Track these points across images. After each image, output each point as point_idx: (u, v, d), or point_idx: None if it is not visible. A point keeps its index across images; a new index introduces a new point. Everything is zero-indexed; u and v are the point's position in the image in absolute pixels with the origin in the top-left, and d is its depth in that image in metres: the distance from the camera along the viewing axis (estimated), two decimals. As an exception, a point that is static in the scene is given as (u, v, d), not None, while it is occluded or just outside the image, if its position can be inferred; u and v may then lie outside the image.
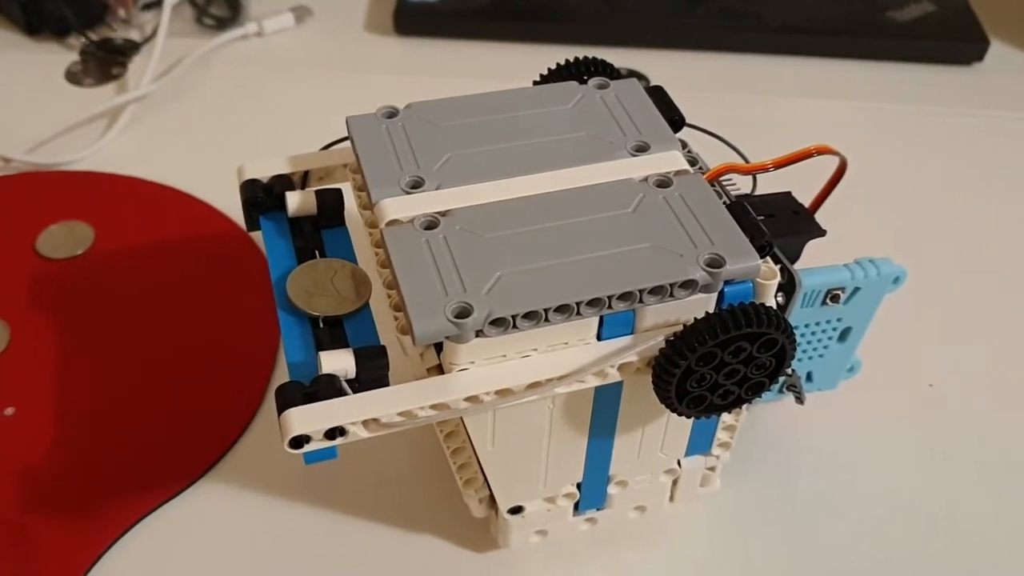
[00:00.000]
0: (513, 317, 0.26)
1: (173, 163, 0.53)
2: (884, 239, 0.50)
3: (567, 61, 0.35)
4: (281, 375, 0.42)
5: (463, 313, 0.26)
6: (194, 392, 0.42)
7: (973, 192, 0.54)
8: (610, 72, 0.35)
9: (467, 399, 0.27)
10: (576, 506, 0.35)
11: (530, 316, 0.26)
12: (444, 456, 0.34)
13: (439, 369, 0.28)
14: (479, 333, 0.26)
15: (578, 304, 0.27)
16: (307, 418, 0.26)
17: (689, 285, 0.27)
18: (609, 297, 0.27)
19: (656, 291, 0.27)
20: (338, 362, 0.27)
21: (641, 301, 0.27)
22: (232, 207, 0.50)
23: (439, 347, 0.28)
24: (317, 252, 0.32)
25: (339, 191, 0.33)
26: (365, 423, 0.27)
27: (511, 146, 0.31)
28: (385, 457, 0.40)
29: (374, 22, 0.66)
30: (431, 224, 0.28)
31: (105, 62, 0.61)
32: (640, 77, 0.61)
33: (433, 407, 0.27)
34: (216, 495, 0.38)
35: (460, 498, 0.35)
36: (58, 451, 0.39)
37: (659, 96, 0.34)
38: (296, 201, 0.32)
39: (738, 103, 0.59)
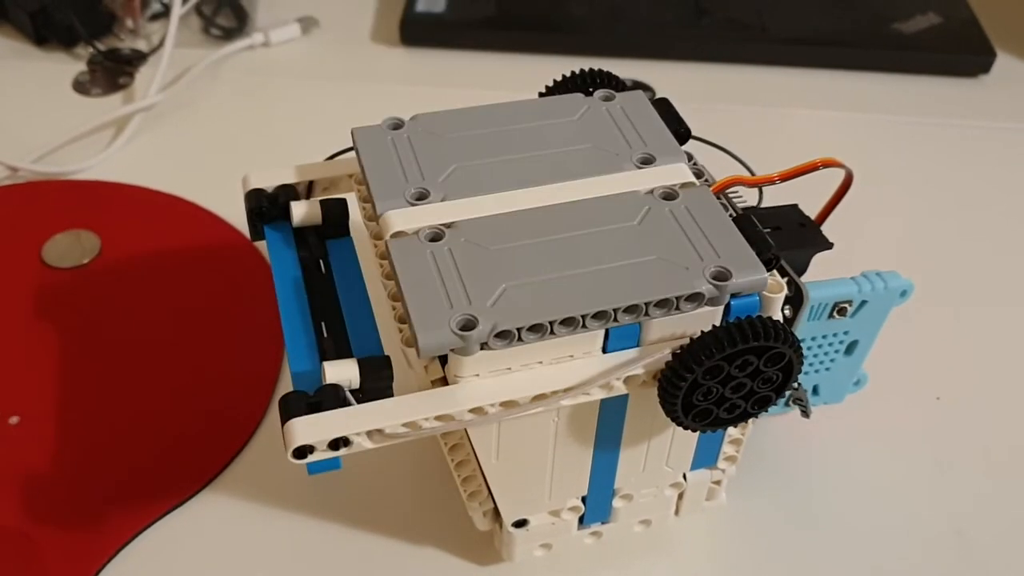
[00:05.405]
0: (518, 330, 0.26)
1: (179, 172, 0.53)
2: (891, 252, 0.50)
3: (572, 73, 0.35)
4: (285, 385, 0.42)
5: (468, 325, 0.26)
6: (198, 401, 0.41)
7: (980, 204, 0.54)
8: (616, 84, 0.35)
9: (471, 411, 0.27)
10: (581, 519, 0.35)
11: (535, 329, 0.26)
12: (448, 468, 0.34)
13: (444, 381, 0.28)
14: (484, 346, 0.26)
15: (584, 317, 0.26)
16: (311, 428, 0.26)
17: (695, 298, 0.27)
18: (615, 310, 0.27)
19: (662, 304, 0.27)
20: (342, 372, 0.27)
21: (647, 314, 0.27)
22: (237, 217, 0.50)
23: (444, 359, 0.28)
24: (321, 262, 0.32)
25: (344, 201, 0.33)
26: (369, 434, 0.26)
27: (516, 158, 0.31)
28: (389, 469, 0.39)
29: (380, 32, 0.66)
30: (436, 236, 0.28)
31: (112, 72, 0.61)
32: (646, 89, 0.61)
33: (437, 418, 0.27)
34: (220, 505, 0.38)
35: (464, 511, 0.34)
36: (63, 460, 0.39)
37: (665, 108, 0.34)
38: (301, 211, 0.32)
39: (744, 115, 0.59)
